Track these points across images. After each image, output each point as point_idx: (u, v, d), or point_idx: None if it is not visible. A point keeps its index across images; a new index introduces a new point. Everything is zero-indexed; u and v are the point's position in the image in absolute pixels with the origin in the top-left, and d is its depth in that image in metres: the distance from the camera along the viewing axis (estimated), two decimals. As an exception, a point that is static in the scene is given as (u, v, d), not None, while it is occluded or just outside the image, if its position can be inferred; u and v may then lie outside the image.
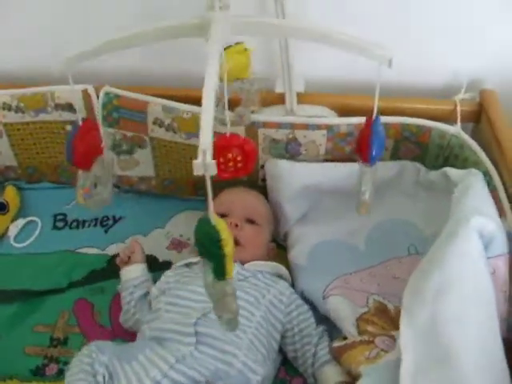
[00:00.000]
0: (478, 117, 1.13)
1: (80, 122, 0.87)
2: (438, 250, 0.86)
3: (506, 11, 1.08)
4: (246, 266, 1.02)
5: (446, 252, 0.83)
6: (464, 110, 1.11)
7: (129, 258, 1.12)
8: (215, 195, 1.14)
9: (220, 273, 0.63)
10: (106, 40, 0.75)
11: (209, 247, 0.62)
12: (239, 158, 0.80)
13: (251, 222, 1.08)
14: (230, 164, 0.80)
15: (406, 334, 0.80)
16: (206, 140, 0.58)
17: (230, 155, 0.79)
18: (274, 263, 1.08)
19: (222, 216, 1.06)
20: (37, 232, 1.25)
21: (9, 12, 1.18)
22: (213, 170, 0.57)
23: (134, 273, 1.09)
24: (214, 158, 0.61)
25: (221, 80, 0.77)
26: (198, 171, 0.57)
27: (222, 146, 0.78)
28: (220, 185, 1.16)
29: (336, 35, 0.66)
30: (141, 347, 0.91)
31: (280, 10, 0.96)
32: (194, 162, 0.57)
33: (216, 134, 0.70)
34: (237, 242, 1.02)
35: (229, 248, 0.62)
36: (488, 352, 0.78)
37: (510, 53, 1.13)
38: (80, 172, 0.92)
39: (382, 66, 0.73)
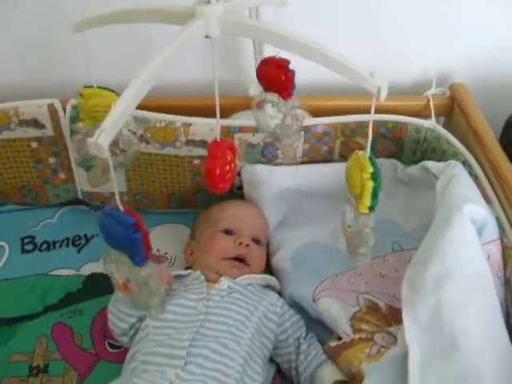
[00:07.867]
0: (450, 110, 1.14)
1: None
2: (432, 239, 0.86)
3: (471, 5, 1.11)
4: (237, 279, 1.00)
5: (442, 241, 0.83)
6: (435, 105, 1.13)
7: None
8: (212, 203, 1.11)
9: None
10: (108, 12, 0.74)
11: None
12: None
13: (257, 241, 1.06)
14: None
15: (410, 327, 0.79)
16: (110, 120, 0.53)
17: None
18: (265, 275, 1.07)
19: (229, 232, 1.04)
20: (5, 257, 1.18)
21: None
22: (102, 153, 0.53)
23: None
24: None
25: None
26: (92, 150, 0.53)
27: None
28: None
29: (334, 56, 0.62)
30: None
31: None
32: (89, 139, 0.53)
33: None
34: (244, 261, 1.02)
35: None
36: (493, 336, 0.78)
37: (477, 46, 1.16)
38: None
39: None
